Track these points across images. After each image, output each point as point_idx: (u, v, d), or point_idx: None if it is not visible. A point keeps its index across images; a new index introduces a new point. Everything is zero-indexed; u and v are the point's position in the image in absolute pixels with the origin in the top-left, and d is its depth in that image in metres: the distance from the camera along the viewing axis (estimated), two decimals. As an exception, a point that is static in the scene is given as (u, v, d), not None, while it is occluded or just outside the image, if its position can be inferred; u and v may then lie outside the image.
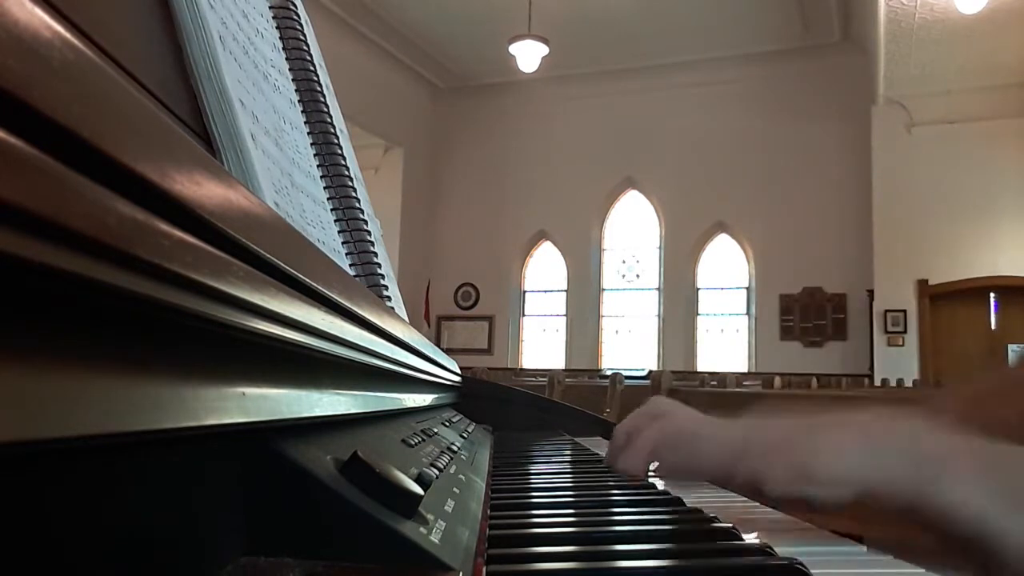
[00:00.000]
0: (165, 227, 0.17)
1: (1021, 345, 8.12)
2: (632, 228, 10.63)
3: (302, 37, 0.83)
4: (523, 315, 11.01)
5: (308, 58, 0.82)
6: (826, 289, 9.40)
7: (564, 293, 10.78)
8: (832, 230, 9.29)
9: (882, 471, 0.42)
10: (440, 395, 0.89)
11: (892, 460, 0.42)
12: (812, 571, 0.33)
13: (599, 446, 1.07)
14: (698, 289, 10.25)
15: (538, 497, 0.59)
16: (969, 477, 0.40)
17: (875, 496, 0.42)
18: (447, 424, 0.81)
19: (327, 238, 0.72)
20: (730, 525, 0.43)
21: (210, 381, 0.22)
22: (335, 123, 0.84)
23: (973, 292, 8.36)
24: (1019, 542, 0.39)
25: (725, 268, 10.12)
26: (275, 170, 0.59)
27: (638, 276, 10.66)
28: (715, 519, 0.45)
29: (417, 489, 0.31)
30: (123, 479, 0.20)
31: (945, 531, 0.41)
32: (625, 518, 0.48)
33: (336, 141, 0.82)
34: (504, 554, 0.35)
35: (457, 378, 1.13)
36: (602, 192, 10.49)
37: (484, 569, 0.32)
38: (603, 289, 10.73)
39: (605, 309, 10.73)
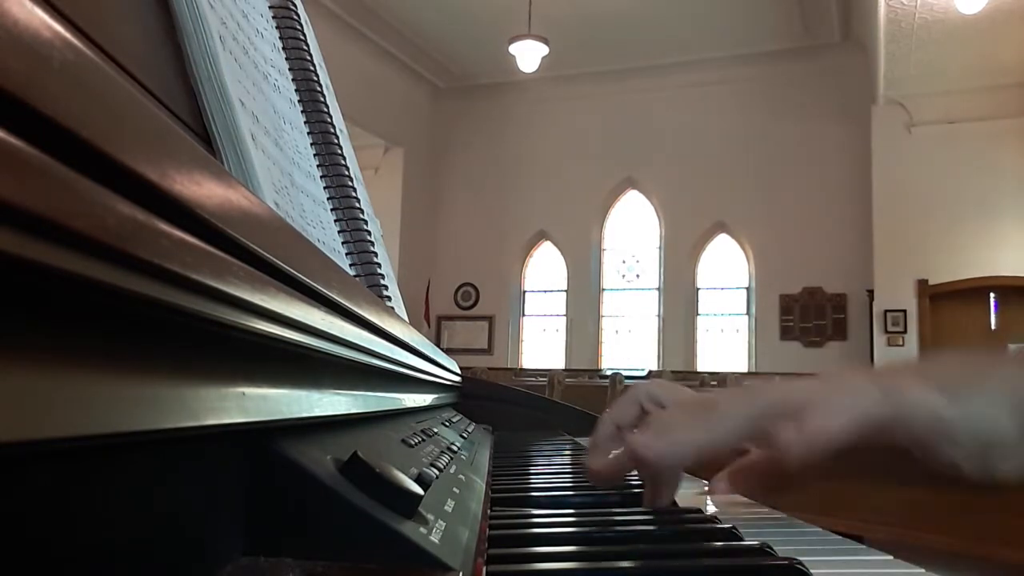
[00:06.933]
0: (165, 227, 0.17)
1: (1021, 345, 8.11)
2: (632, 228, 10.63)
3: (302, 37, 0.83)
4: (523, 315, 11.01)
5: (308, 58, 0.82)
6: (826, 289, 9.40)
7: (564, 293, 10.78)
8: (832, 230, 9.29)
9: (860, 406, 0.44)
10: (440, 395, 0.89)
11: (861, 397, 0.44)
12: (812, 571, 0.33)
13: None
14: (698, 289, 10.25)
15: (538, 497, 0.59)
16: (916, 387, 0.44)
17: (860, 432, 0.44)
18: (447, 424, 0.81)
19: (327, 238, 0.72)
20: (730, 525, 0.43)
21: (210, 381, 0.22)
22: (335, 123, 0.84)
23: (973, 292, 8.36)
24: (963, 422, 0.43)
25: (725, 268, 10.12)
26: (275, 170, 0.59)
27: (638, 276, 10.66)
28: (715, 519, 0.45)
29: (417, 489, 0.31)
30: (123, 479, 0.20)
31: (913, 437, 0.44)
32: (625, 518, 0.48)
33: (336, 141, 0.82)
34: (504, 554, 0.35)
35: (457, 378, 1.13)
36: (602, 192, 10.49)
37: (484, 569, 0.32)
38: (603, 289, 10.73)
39: (605, 309, 10.72)
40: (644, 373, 9.02)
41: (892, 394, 0.44)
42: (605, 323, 10.72)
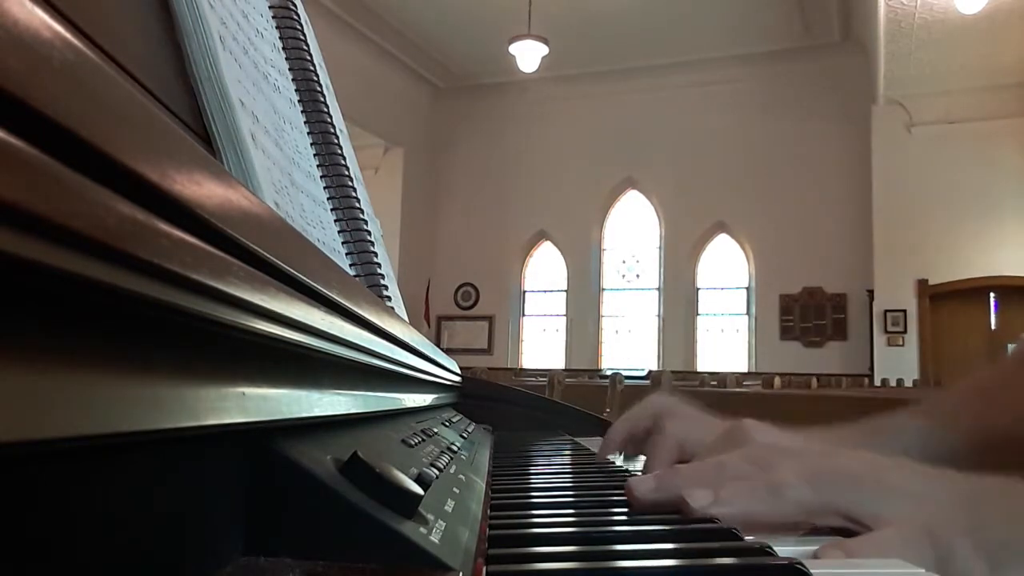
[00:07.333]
0: (165, 227, 0.17)
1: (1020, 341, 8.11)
2: (632, 228, 10.63)
3: (302, 37, 0.83)
4: (523, 315, 11.01)
5: (308, 58, 0.82)
6: (826, 289, 9.41)
7: (564, 293, 10.79)
8: (832, 230, 9.29)
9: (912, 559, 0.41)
10: (440, 395, 0.89)
11: (916, 548, 0.41)
12: (812, 571, 0.33)
13: (599, 446, 1.06)
14: (698, 289, 10.25)
15: (538, 497, 0.59)
16: (965, 549, 0.41)
17: None
18: (447, 424, 0.81)
19: (327, 238, 0.72)
20: (730, 525, 0.43)
21: (210, 381, 0.22)
22: (335, 123, 0.84)
23: (973, 292, 8.36)
24: None
25: (725, 268, 10.12)
26: (275, 170, 0.59)
27: (638, 276, 10.67)
28: (715, 519, 0.45)
29: (417, 489, 0.31)
30: (123, 479, 0.20)
31: None
32: (625, 518, 0.48)
33: (336, 141, 0.82)
34: (504, 554, 0.35)
35: (457, 378, 1.13)
36: (602, 192, 10.49)
37: (484, 569, 0.32)
38: (603, 289, 10.74)
39: (605, 309, 10.73)
40: (644, 373, 9.02)
41: (942, 555, 0.41)
42: (605, 323, 10.72)
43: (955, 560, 0.41)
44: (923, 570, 0.35)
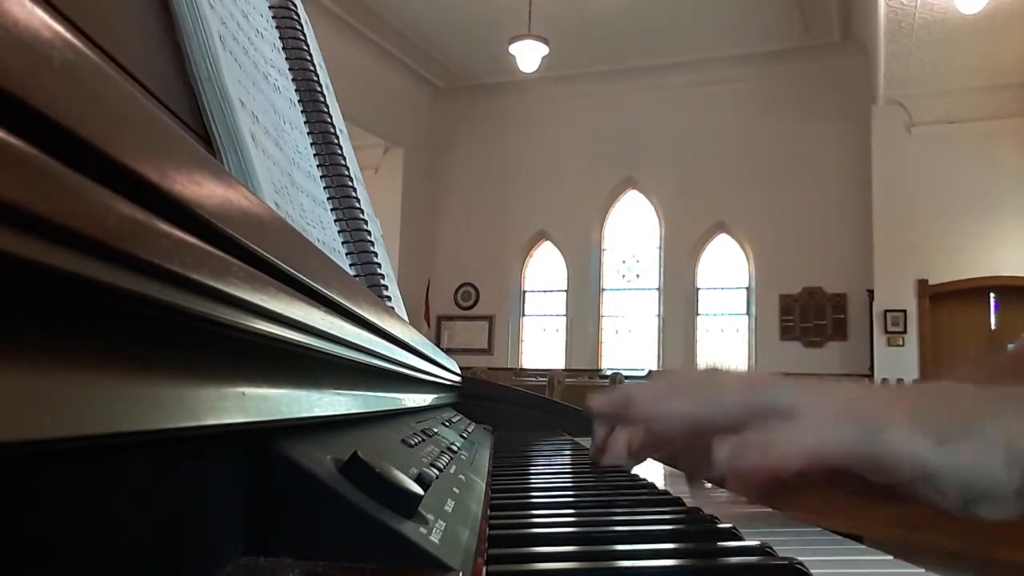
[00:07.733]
0: (165, 227, 0.17)
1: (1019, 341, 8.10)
2: (632, 228, 10.62)
3: (302, 37, 0.83)
4: (523, 315, 11.00)
5: (308, 58, 0.82)
6: (826, 289, 9.40)
7: (564, 293, 10.78)
8: (832, 230, 9.29)
9: (833, 437, 0.44)
10: (440, 395, 0.89)
11: (839, 426, 0.45)
12: (812, 571, 0.33)
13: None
14: (698, 289, 10.24)
15: (538, 497, 0.59)
16: (906, 429, 0.44)
17: (829, 462, 0.44)
18: (447, 424, 0.81)
19: (327, 238, 0.72)
20: (730, 525, 0.43)
21: (210, 381, 0.22)
22: (335, 123, 0.84)
23: (973, 292, 8.35)
24: (952, 474, 0.43)
25: (725, 268, 10.11)
26: (275, 170, 0.59)
27: (638, 276, 10.66)
28: (715, 519, 0.45)
29: (417, 489, 0.31)
30: (122, 479, 0.20)
31: (896, 481, 0.44)
32: (625, 518, 0.48)
33: (336, 141, 0.82)
34: (504, 554, 0.35)
35: (457, 378, 1.13)
36: (602, 192, 10.49)
37: (484, 569, 0.32)
38: (603, 289, 10.73)
39: (605, 309, 10.72)
40: (644, 373, 9.02)
41: (874, 433, 0.43)
42: (605, 323, 10.71)
43: (886, 435, 0.43)
44: (922, 570, 0.35)
